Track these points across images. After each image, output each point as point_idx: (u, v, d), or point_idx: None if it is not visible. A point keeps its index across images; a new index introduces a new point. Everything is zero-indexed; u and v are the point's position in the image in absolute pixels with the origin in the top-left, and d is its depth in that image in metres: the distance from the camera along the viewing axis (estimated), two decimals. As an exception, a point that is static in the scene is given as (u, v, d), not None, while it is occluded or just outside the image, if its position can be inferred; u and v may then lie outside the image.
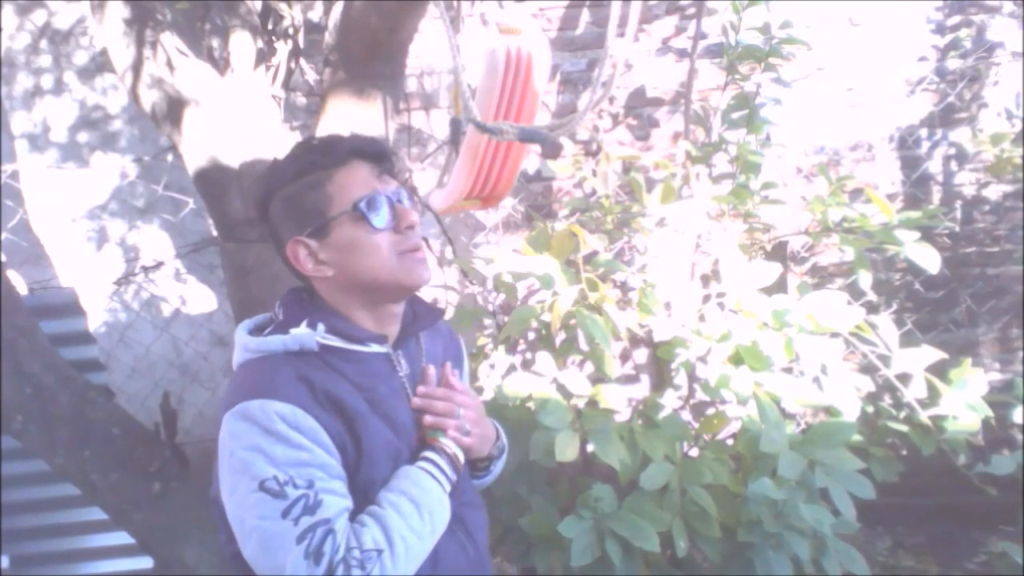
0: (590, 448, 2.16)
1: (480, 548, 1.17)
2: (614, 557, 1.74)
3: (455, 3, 2.07)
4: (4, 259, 2.77)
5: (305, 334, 1.04)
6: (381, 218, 1.05)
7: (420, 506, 1.03)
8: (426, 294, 3.10)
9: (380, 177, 1.08)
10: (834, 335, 1.97)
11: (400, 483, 1.05)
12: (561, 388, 1.97)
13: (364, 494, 1.03)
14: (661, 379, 2.32)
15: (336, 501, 0.97)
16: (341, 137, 1.10)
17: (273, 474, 0.94)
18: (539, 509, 1.93)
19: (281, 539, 0.93)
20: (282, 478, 0.94)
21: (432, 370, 1.18)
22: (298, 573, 0.92)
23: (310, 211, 1.06)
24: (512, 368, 2.18)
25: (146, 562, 2.58)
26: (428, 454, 1.09)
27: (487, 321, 2.54)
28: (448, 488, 1.08)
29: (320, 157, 1.07)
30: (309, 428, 0.97)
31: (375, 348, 1.10)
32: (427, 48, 3.01)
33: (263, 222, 1.13)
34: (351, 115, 2.02)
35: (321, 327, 1.06)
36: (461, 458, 1.12)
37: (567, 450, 1.74)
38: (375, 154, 1.09)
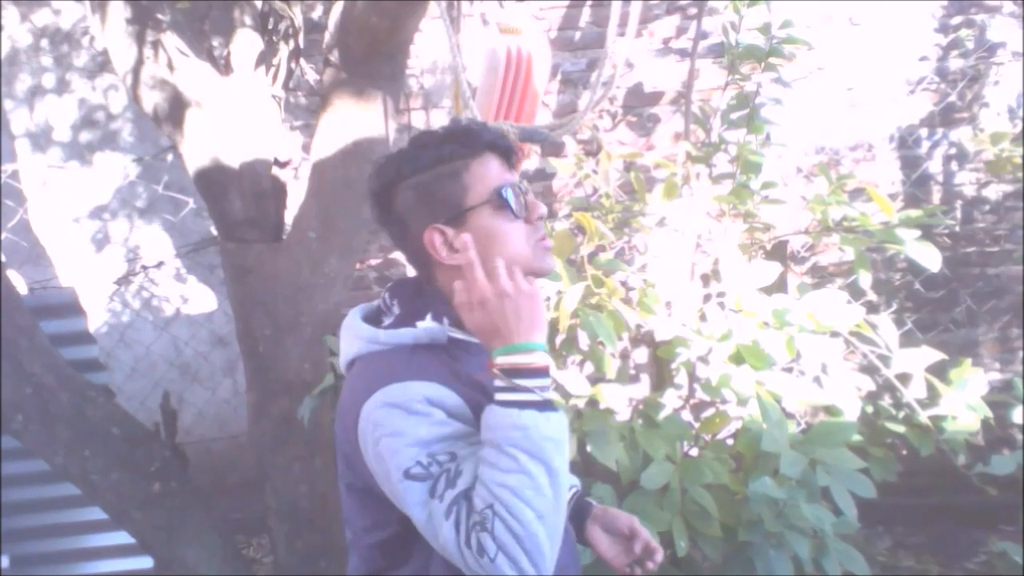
0: (589, 448, 2.16)
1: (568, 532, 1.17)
2: (614, 557, 1.74)
3: (455, 3, 2.07)
4: (4, 259, 2.77)
5: (436, 327, 1.05)
6: (519, 208, 1.07)
7: (499, 446, 0.94)
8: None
9: (510, 170, 1.11)
10: (834, 335, 1.97)
11: (490, 432, 0.97)
12: (560, 388, 1.97)
13: None
14: (661, 379, 2.32)
15: (475, 468, 0.97)
16: (478, 127, 1.12)
17: (416, 459, 0.95)
18: (540, 509, 1.92)
19: (437, 518, 0.94)
20: (425, 460, 0.95)
21: None
22: (456, 547, 0.93)
23: (447, 199, 1.06)
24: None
25: (146, 562, 2.57)
26: (496, 382, 0.98)
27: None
28: (527, 399, 0.96)
29: (458, 147, 1.08)
30: (452, 403, 0.98)
31: None
32: (428, 47, 3.01)
33: (383, 213, 1.12)
34: (351, 115, 2.02)
35: (446, 320, 1.06)
36: (530, 361, 0.97)
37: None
38: (505, 147, 1.11)
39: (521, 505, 0.93)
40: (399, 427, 0.96)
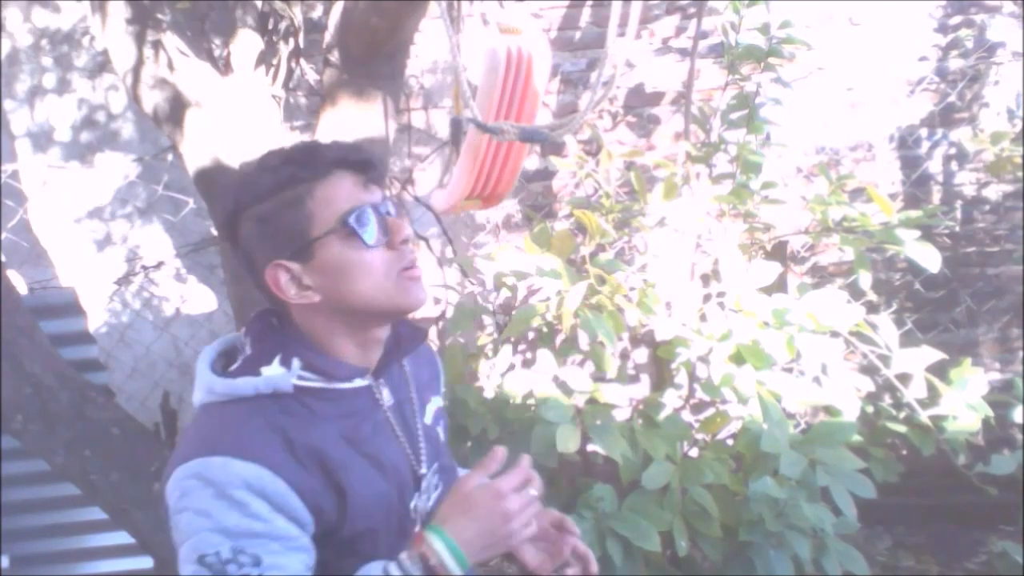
0: (589, 448, 2.17)
1: None
2: (615, 557, 1.75)
3: (455, 3, 2.07)
4: (4, 259, 2.77)
5: (279, 376, 0.92)
6: (372, 233, 0.93)
7: None
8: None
9: (366, 187, 0.96)
10: (834, 335, 1.97)
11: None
12: (562, 385, 1.97)
13: (352, 547, 0.94)
14: (661, 379, 2.32)
15: None
16: (320, 145, 0.97)
17: (216, 549, 0.83)
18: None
19: None
20: (225, 555, 0.83)
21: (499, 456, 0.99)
22: None
23: (290, 232, 0.93)
24: (511, 367, 2.19)
25: (146, 562, 2.57)
26: (403, 557, 0.90)
27: (487, 320, 2.54)
28: None
29: (298, 169, 0.93)
30: (276, 493, 0.86)
31: (357, 383, 0.98)
32: (428, 47, 3.01)
33: (231, 244, 0.99)
34: (351, 115, 2.02)
35: (296, 363, 0.94)
36: (449, 569, 0.89)
37: (568, 442, 1.75)
38: (359, 162, 0.96)
39: None
40: (206, 508, 0.84)
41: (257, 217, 0.95)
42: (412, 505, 1.03)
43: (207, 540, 0.84)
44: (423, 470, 1.05)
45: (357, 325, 0.97)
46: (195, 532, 0.85)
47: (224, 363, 1.00)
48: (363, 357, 1.00)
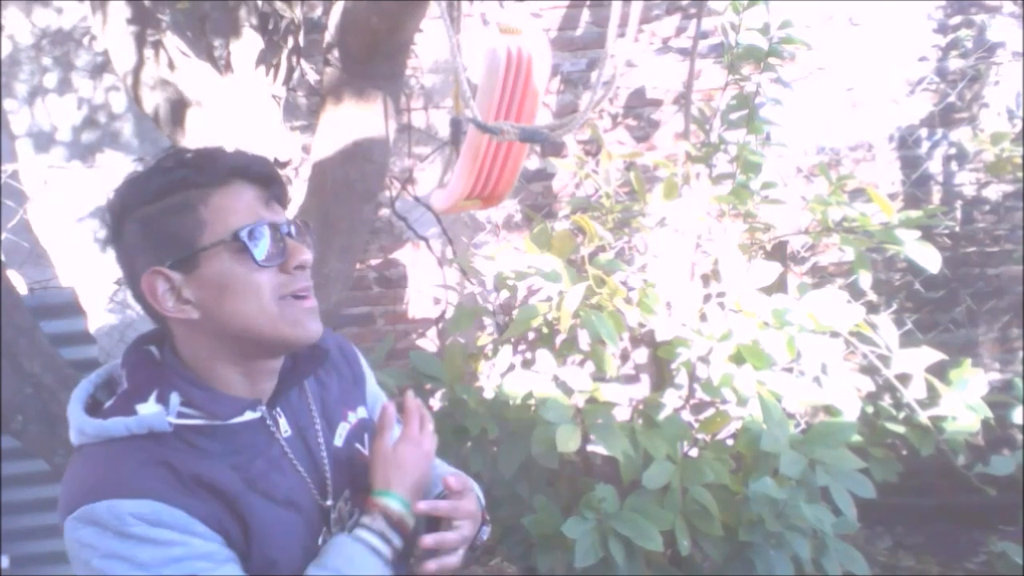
0: (589, 448, 2.17)
1: None
2: (617, 557, 1.75)
3: (455, 3, 2.07)
4: (4, 259, 2.77)
5: (153, 415, 0.84)
6: (264, 251, 0.85)
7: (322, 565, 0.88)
8: (425, 296, 3.11)
9: (268, 204, 0.89)
10: (834, 335, 1.97)
11: (328, 558, 0.89)
12: (562, 385, 1.97)
13: None
14: (661, 379, 2.32)
15: None
16: (220, 151, 0.90)
17: None
18: (542, 509, 1.93)
19: None
20: None
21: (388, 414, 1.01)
22: None
23: (176, 237, 0.85)
24: (511, 367, 2.19)
25: (146, 562, 2.57)
26: (366, 520, 0.92)
27: (487, 320, 2.54)
28: (391, 557, 0.92)
29: (193, 173, 0.86)
30: (176, 521, 0.80)
31: (247, 416, 0.90)
32: (428, 47, 3.01)
33: (115, 247, 0.91)
34: (351, 115, 2.02)
35: (175, 399, 0.86)
36: (409, 521, 0.94)
37: (569, 442, 1.74)
38: (262, 176, 0.89)
39: None
40: (113, 550, 0.78)
41: (142, 219, 0.87)
42: (320, 540, 0.94)
43: None
44: (328, 502, 0.97)
45: (241, 353, 0.89)
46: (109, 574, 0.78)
47: (108, 394, 0.92)
48: (251, 389, 0.91)
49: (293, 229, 0.91)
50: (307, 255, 0.89)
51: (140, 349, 0.93)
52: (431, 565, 0.95)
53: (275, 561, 0.88)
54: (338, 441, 1.01)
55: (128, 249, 0.90)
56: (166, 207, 0.86)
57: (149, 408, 0.85)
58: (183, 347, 0.90)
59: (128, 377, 0.90)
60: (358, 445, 1.04)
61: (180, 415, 0.86)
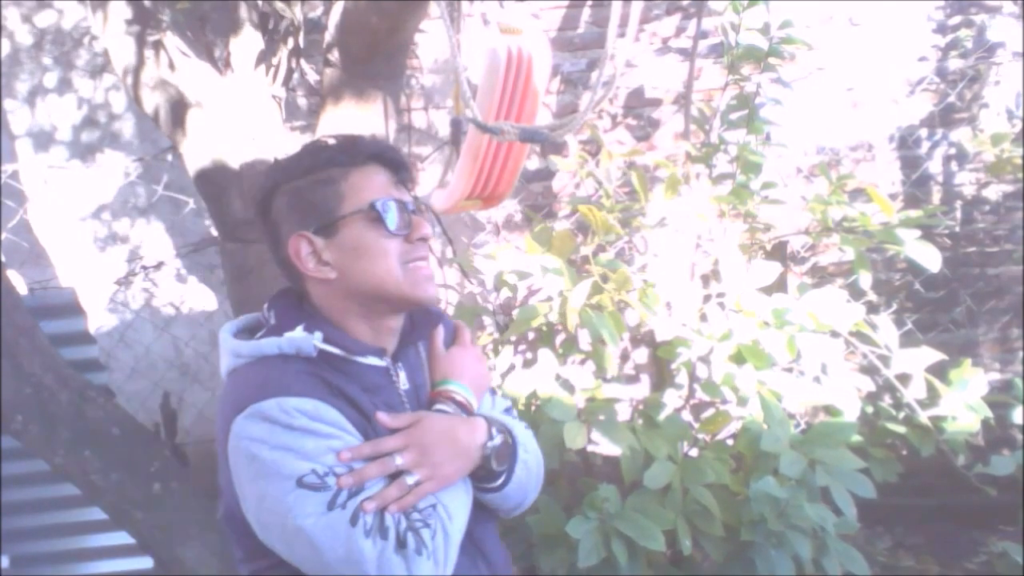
0: (590, 448, 2.16)
1: (494, 564, 1.08)
2: (620, 557, 1.75)
3: (456, 3, 2.07)
4: (4, 259, 2.77)
5: (302, 337, 0.96)
6: (394, 222, 1.00)
7: None
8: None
9: (397, 186, 1.04)
10: (834, 335, 1.97)
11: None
12: (564, 384, 1.97)
13: None
14: (661, 379, 2.32)
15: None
16: (361, 137, 1.05)
17: (311, 468, 0.88)
18: (545, 509, 1.93)
19: (335, 529, 0.87)
20: (321, 470, 0.89)
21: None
22: (364, 553, 0.86)
23: (319, 206, 1.00)
24: (512, 367, 2.19)
25: (146, 562, 2.57)
26: (439, 406, 1.04)
27: (487, 320, 2.54)
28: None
29: (338, 154, 1.02)
30: (332, 418, 0.92)
31: (373, 360, 1.03)
32: (429, 47, 3.01)
33: (262, 218, 1.05)
34: (351, 115, 2.02)
35: (318, 335, 0.98)
36: (472, 404, 1.07)
37: (576, 439, 1.75)
38: (394, 161, 1.05)
39: (464, 504, 0.98)
40: (283, 441, 0.89)
41: (292, 191, 1.02)
42: None
43: (297, 466, 0.88)
44: None
45: (369, 309, 1.02)
46: (282, 464, 0.88)
47: (249, 336, 1.04)
48: (377, 341, 1.04)
49: (417, 207, 1.06)
50: (428, 229, 1.03)
51: (286, 295, 1.07)
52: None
53: None
54: None
55: (275, 219, 1.03)
56: (312, 181, 1.01)
57: (297, 334, 0.97)
58: (319, 303, 1.03)
59: (275, 314, 1.03)
60: None
61: (322, 345, 0.97)
